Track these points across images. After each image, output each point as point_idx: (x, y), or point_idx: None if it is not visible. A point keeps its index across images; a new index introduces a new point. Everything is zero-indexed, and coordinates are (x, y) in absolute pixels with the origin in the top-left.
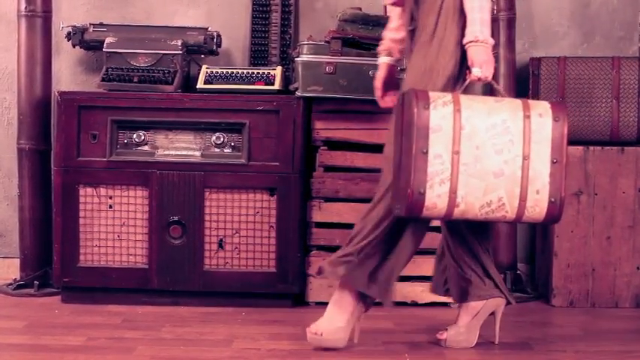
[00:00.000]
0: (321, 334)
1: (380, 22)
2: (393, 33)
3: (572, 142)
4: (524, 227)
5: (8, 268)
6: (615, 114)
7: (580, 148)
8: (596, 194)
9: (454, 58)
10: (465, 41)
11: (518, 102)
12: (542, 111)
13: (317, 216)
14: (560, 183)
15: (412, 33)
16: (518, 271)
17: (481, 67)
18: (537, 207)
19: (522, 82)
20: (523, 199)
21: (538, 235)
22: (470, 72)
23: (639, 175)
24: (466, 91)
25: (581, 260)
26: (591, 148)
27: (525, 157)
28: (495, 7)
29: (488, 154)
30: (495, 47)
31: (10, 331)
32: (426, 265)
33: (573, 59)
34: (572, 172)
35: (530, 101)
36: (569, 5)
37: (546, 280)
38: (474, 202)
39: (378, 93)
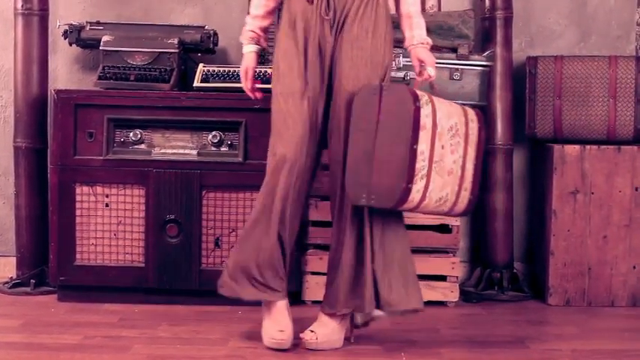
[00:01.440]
0: (317, 338)
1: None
2: (260, 21)
3: (568, 141)
4: (520, 226)
5: (4, 266)
6: (612, 113)
7: (577, 147)
8: (592, 193)
9: (388, 49)
10: (414, 42)
11: (459, 107)
12: (473, 117)
13: (313, 215)
14: (477, 183)
15: (325, 22)
16: (515, 270)
17: (433, 67)
18: (462, 203)
19: (519, 81)
20: (457, 196)
21: (535, 234)
22: (423, 71)
23: (636, 174)
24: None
25: (577, 259)
26: (588, 147)
27: (464, 158)
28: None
29: (447, 154)
30: (492, 46)
31: (7, 329)
32: (422, 264)
33: (570, 58)
34: (568, 170)
35: (465, 107)
36: (567, 4)
37: (543, 279)
38: (433, 198)
39: (248, 85)
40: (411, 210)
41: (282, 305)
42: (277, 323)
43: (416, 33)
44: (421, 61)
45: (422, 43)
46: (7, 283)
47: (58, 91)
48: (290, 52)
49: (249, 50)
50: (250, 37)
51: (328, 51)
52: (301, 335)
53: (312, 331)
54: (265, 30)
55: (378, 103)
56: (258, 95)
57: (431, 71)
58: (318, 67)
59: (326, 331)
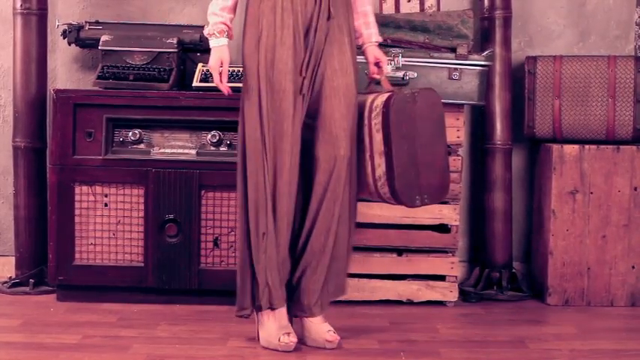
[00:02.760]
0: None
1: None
2: (230, 13)
3: (567, 140)
4: (519, 226)
5: (3, 266)
6: (611, 113)
7: (576, 146)
8: (591, 193)
9: (355, 51)
10: (372, 40)
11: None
12: (377, 104)
13: None
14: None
15: (325, 18)
16: (514, 270)
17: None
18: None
19: (518, 81)
20: None
21: (534, 234)
22: (382, 68)
23: (634, 174)
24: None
25: (576, 259)
26: (587, 146)
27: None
28: (492, 6)
29: None
30: (491, 46)
31: (6, 329)
32: (421, 264)
33: (569, 58)
34: (567, 170)
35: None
36: (565, 4)
37: (542, 279)
38: None
39: (224, 79)
40: None
41: (284, 309)
42: (283, 327)
43: (373, 31)
44: (377, 59)
45: (377, 42)
46: (6, 282)
47: (57, 91)
48: (290, 44)
49: (223, 44)
50: (222, 30)
51: (319, 47)
52: (328, 338)
53: (330, 331)
54: (231, 22)
55: (414, 112)
56: (230, 90)
57: (388, 68)
58: (311, 64)
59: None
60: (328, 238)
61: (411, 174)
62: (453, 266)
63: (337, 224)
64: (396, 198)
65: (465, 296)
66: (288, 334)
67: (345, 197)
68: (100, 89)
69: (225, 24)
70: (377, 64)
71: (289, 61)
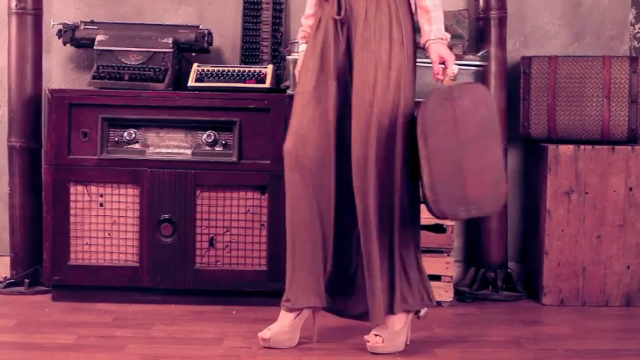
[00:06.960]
0: (382, 341)
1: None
2: (310, 20)
3: (562, 141)
4: (514, 226)
5: None
6: (606, 113)
7: (571, 147)
8: (586, 193)
9: (404, 50)
10: (432, 37)
11: None
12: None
13: None
14: None
15: (338, 23)
16: (509, 270)
17: (453, 64)
18: None
19: (513, 81)
20: None
21: (529, 234)
22: (446, 68)
23: (629, 174)
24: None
25: (571, 259)
26: (582, 146)
27: None
28: (487, 6)
29: None
30: (486, 46)
31: (1, 329)
32: None
33: (564, 58)
34: (562, 170)
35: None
36: (561, 4)
37: (537, 279)
38: None
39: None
40: None
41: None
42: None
43: (434, 27)
44: (442, 58)
45: (441, 39)
46: (1, 282)
47: (53, 91)
48: (310, 51)
49: (302, 50)
50: (302, 37)
51: (341, 52)
52: (366, 338)
53: (376, 335)
54: (310, 29)
55: (453, 110)
56: None
57: (455, 69)
58: (332, 69)
59: (388, 334)
60: (370, 245)
61: (454, 184)
62: (448, 266)
63: (377, 230)
64: (435, 208)
65: (460, 296)
66: (269, 329)
67: (390, 202)
68: (96, 89)
69: (305, 30)
70: (443, 64)
71: (303, 63)
